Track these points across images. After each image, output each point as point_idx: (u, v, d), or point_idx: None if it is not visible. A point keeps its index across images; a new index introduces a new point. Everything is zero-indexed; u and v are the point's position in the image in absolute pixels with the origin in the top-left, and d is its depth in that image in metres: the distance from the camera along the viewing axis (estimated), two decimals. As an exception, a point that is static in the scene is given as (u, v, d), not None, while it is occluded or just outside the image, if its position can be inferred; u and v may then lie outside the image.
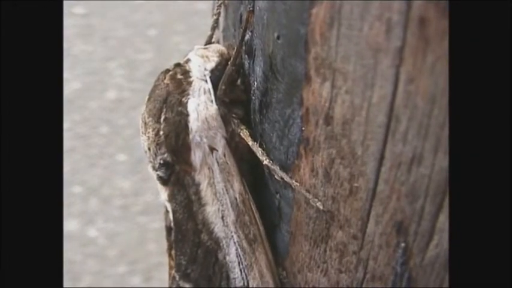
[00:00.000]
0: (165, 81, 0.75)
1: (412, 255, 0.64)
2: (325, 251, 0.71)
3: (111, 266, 2.05)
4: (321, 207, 0.67)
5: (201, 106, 0.73)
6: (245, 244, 0.78)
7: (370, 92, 0.57)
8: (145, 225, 2.15)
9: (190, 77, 0.74)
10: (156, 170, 0.79)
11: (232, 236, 0.78)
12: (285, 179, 0.70)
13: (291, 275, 0.79)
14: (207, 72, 0.74)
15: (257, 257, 0.78)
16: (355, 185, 0.63)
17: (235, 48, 0.72)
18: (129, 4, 2.96)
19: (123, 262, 2.06)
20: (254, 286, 0.80)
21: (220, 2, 0.81)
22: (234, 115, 0.75)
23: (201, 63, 0.74)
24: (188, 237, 0.81)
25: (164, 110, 0.74)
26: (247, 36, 0.72)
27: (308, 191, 0.68)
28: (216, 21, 0.81)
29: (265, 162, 0.71)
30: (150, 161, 0.78)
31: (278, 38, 0.64)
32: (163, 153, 0.76)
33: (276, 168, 0.70)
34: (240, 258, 0.79)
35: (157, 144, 0.76)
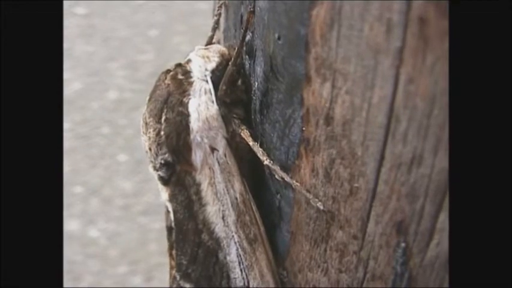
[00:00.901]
0: (166, 81, 0.75)
1: (412, 255, 0.64)
2: (325, 250, 0.72)
3: (112, 266, 2.06)
4: (321, 207, 0.68)
5: (201, 106, 0.73)
6: (246, 244, 0.78)
7: (370, 92, 0.57)
8: (146, 226, 2.16)
9: (191, 77, 0.75)
10: (157, 170, 0.79)
11: (232, 236, 0.78)
12: (286, 179, 0.70)
13: (292, 275, 0.79)
14: (207, 73, 0.74)
15: (258, 257, 0.78)
16: (355, 185, 0.64)
17: (236, 48, 0.72)
18: (130, 4, 2.96)
19: (124, 262, 2.06)
20: (255, 286, 0.80)
21: (221, 2, 0.81)
22: (234, 115, 0.75)
23: (202, 63, 0.75)
24: (189, 237, 0.81)
25: (165, 110, 0.74)
26: (248, 37, 0.72)
27: (308, 191, 0.69)
28: (217, 22, 0.81)
29: (266, 162, 0.71)
30: (151, 161, 0.79)
31: (279, 38, 0.64)
32: (164, 153, 0.76)
33: (276, 168, 0.71)
34: (241, 258, 0.79)
35: (158, 144, 0.76)
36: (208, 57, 0.75)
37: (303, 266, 0.76)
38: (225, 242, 0.79)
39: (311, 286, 0.76)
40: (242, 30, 0.71)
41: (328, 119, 0.62)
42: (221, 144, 0.74)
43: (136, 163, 2.30)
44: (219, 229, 0.79)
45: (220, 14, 0.81)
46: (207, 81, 0.74)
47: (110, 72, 2.61)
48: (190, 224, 0.80)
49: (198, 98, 0.73)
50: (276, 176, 0.71)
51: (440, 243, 0.62)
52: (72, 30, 2.73)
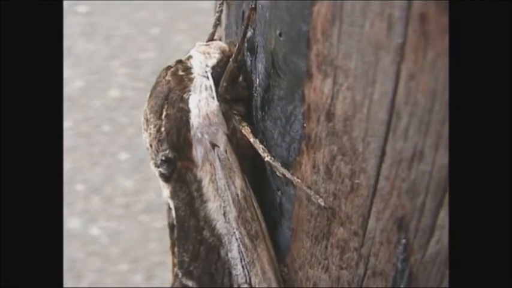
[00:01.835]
0: (167, 77, 0.75)
1: (413, 251, 0.64)
2: (326, 247, 0.72)
3: (113, 264, 2.06)
4: (322, 204, 0.68)
5: (202, 102, 0.73)
6: (247, 241, 0.78)
7: (371, 88, 0.57)
8: (148, 224, 2.16)
9: (191, 73, 0.75)
10: (158, 167, 0.79)
11: (234, 233, 0.79)
12: (287, 176, 0.70)
13: (292, 272, 0.79)
14: (208, 69, 0.74)
15: (259, 253, 0.79)
16: (356, 181, 0.64)
17: (237, 45, 0.72)
18: (132, 3, 2.96)
19: (125, 260, 2.07)
20: (256, 283, 0.80)
21: (222, -1, 0.81)
22: (235, 112, 0.75)
23: (203, 59, 0.75)
24: (190, 234, 0.82)
25: (166, 106, 0.75)
26: (249, 34, 0.72)
27: (309, 188, 0.69)
28: (218, 19, 0.82)
29: (267, 159, 0.71)
30: (152, 158, 0.79)
31: (280, 35, 0.64)
32: (165, 150, 0.76)
33: (277, 165, 0.71)
34: (242, 255, 0.79)
35: (159, 140, 0.76)
36: (209, 53, 0.75)
37: (303, 263, 0.76)
38: (226, 238, 0.80)
39: (312, 283, 0.76)
40: (243, 27, 0.71)
41: (330, 115, 0.62)
42: (222, 141, 0.74)
43: (137, 161, 2.30)
44: (220, 226, 0.79)
45: (221, 11, 0.82)
46: (207, 78, 0.74)
47: (112, 71, 2.61)
48: (191, 221, 0.80)
49: (199, 94, 0.73)
50: (277, 173, 0.71)
51: (440, 240, 0.62)
52: (74, 29, 2.74)
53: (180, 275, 0.86)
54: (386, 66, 0.55)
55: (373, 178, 0.62)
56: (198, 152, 0.75)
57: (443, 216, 0.60)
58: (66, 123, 2.38)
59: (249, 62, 0.75)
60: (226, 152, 0.75)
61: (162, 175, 0.80)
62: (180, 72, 0.75)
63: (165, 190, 0.82)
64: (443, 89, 0.54)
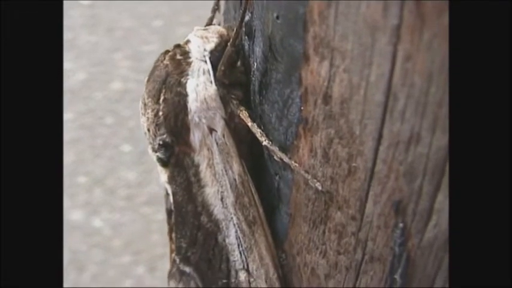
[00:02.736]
0: (165, 61, 0.75)
1: (411, 236, 0.64)
2: (323, 232, 0.71)
3: (116, 256, 2.06)
4: (320, 188, 0.67)
5: (200, 86, 0.73)
6: (244, 226, 0.78)
7: (368, 70, 0.57)
8: (150, 216, 2.16)
9: (189, 57, 0.74)
10: (156, 152, 0.79)
11: (231, 218, 0.78)
12: (284, 160, 0.70)
13: (290, 257, 0.79)
14: (206, 53, 0.74)
15: (256, 239, 0.78)
16: (354, 164, 0.63)
17: (235, 29, 0.72)
18: (134, -5, 2.97)
19: (127, 252, 2.07)
20: (254, 268, 0.80)
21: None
22: (233, 96, 0.75)
23: (201, 44, 0.74)
24: (188, 220, 0.81)
25: (163, 90, 0.74)
26: (247, 17, 0.72)
27: (307, 172, 0.68)
28: (217, 4, 0.81)
29: (265, 143, 0.71)
30: (150, 143, 0.78)
31: (277, 18, 0.64)
32: (163, 134, 0.76)
33: (275, 149, 0.70)
34: (240, 241, 0.79)
35: (156, 125, 0.76)
36: (207, 37, 0.75)
37: (301, 248, 0.76)
38: (224, 224, 0.79)
39: (309, 268, 0.76)
40: (241, 11, 0.71)
41: (327, 98, 0.62)
42: (219, 125, 0.74)
43: (140, 154, 2.30)
44: (217, 211, 0.79)
45: (220, -4, 0.81)
46: (205, 62, 0.73)
47: (114, 63, 2.61)
48: (189, 206, 0.80)
49: (197, 79, 0.73)
50: (275, 157, 0.71)
51: (438, 224, 0.62)
52: (77, 21, 2.74)
53: (177, 261, 0.86)
54: (382, 47, 0.55)
55: (371, 161, 0.62)
56: (195, 137, 0.75)
57: (441, 199, 0.60)
58: (69, 115, 2.38)
59: (246, 47, 0.75)
60: (224, 137, 0.75)
61: (159, 160, 0.79)
62: (178, 57, 0.75)
63: (163, 175, 0.81)
64: (439, 70, 0.53)
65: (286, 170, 0.72)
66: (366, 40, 0.56)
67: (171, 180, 0.80)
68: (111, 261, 2.05)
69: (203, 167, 0.77)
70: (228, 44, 0.73)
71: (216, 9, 0.81)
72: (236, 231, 0.79)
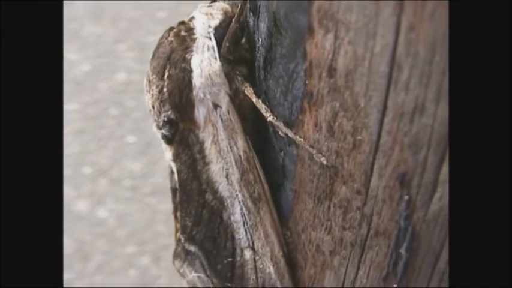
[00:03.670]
0: (169, 38, 0.75)
1: (416, 208, 0.64)
2: (328, 208, 0.71)
3: (121, 246, 2.06)
4: (325, 162, 0.67)
5: (204, 62, 0.73)
6: (250, 203, 0.78)
7: (372, 41, 0.57)
8: (155, 207, 2.16)
9: (194, 34, 0.75)
10: (160, 129, 0.79)
11: (236, 195, 0.78)
12: (289, 135, 0.70)
13: (295, 235, 0.79)
14: (211, 30, 0.74)
15: (262, 216, 0.78)
16: (358, 137, 0.63)
17: (239, 5, 0.72)
18: (138, -14, 2.96)
19: (132, 242, 2.07)
20: (259, 246, 0.80)
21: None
22: (237, 72, 0.75)
23: (205, 20, 0.74)
24: (193, 198, 0.81)
25: (168, 67, 0.75)
26: (251, -6, 0.72)
27: (312, 147, 0.68)
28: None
29: (269, 118, 0.71)
30: (155, 120, 0.79)
31: (282, -9, 0.64)
32: (167, 111, 0.76)
33: (280, 124, 0.70)
34: (245, 218, 0.79)
35: (161, 101, 0.76)
36: (211, 14, 0.75)
37: (306, 225, 0.76)
38: (229, 201, 0.79)
39: (314, 245, 0.76)
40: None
41: (331, 71, 0.62)
42: (224, 101, 0.74)
43: (144, 145, 2.30)
44: (222, 188, 0.79)
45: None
46: (210, 38, 0.74)
47: (119, 54, 2.60)
48: (194, 184, 0.80)
49: (201, 55, 0.73)
50: (280, 133, 0.71)
51: (443, 197, 0.62)
52: (81, 12, 2.74)
53: (182, 240, 0.86)
54: (386, 18, 0.55)
55: (375, 134, 0.62)
56: (200, 113, 0.75)
57: (446, 171, 0.60)
58: (74, 106, 2.38)
59: (251, 23, 0.75)
60: (228, 113, 0.75)
61: (164, 137, 0.80)
62: (183, 33, 0.75)
63: (168, 153, 0.82)
64: (443, 39, 0.53)
65: (291, 145, 0.72)
66: (370, 11, 0.56)
67: (176, 157, 0.80)
68: (116, 251, 2.05)
69: (208, 143, 0.77)
70: (233, 20, 0.73)
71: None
72: (241, 209, 0.79)
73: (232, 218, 0.80)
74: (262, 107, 0.72)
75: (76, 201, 2.14)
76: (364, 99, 0.61)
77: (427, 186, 0.62)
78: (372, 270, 0.72)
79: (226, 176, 0.78)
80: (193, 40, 0.74)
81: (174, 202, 0.90)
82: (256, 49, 0.73)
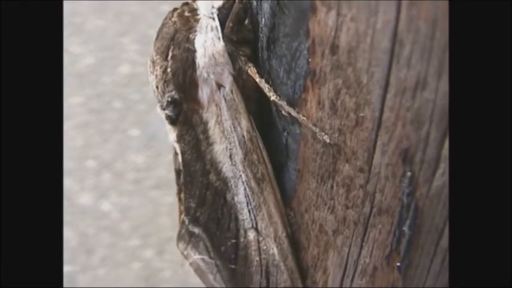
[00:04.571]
0: (173, 19, 0.76)
1: (419, 185, 0.64)
2: (332, 187, 0.72)
3: (124, 239, 2.06)
4: (328, 141, 0.68)
5: (208, 42, 0.74)
6: (253, 183, 0.78)
7: (374, 18, 0.57)
8: (158, 200, 2.16)
9: (197, 14, 0.75)
10: (164, 109, 0.79)
11: (240, 176, 0.79)
12: (292, 114, 0.70)
13: (298, 215, 0.79)
14: (214, 10, 0.74)
15: (265, 197, 0.79)
16: (361, 114, 0.64)
17: None
18: (142, -20, 2.96)
19: (135, 235, 2.07)
20: (263, 227, 0.80)
21: None
22: (241, 52, 0.75)
23: (209, 1, 0.75)
24: (197, 179, 0.82)
25: (172, 47, 0.75)
26: (254, -26, 0.73)
27: (315, 125, 0.69)
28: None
29: (273, 98, 0.71)
30: (158, 100, 0.79)
31: (284, -30, 0.64)
32: (171, 91, 0.77)
33: (283, 103, 0.71)
34: (249, 199, 0.80)
35: (165, 81, 0.77)
36: None
37: (309, 205, 0.76)
38: (232, 182, 0.80)
39: (317, 225, 0.77)
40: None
41: (334, 48, 0.62)
42: (228, 81, 0.75)
43: (148, 138, 2.31)
44: (226, 169, 0.79)
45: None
46: (213, 19, 0.74)
47: (122, 47, 2.61)
48: (198, 165, 0.81)
49: (205, 35, 0.74)
50: (283, 112, 0.71)
51: (445, 172, 0.62)
52: (85, 6, 2.74)
53: (186, 221, 0.87)
54: (388, -5, 0.56)
55: (378, 110, 0.62)
56: (204, 93, 0.75)
57: (448, 146, 0.60)
58: (77, 100, 2.39)
59: (254, 3, 0.75)
60: (232, 93, 0.75)
61: (168, 117, 0.80)
62: (187, 14, 0.75)
63: (172, 134, 0.82)
64: (443, 15, 0.54)
65: (294, 124, 0.73)
66: (372, -12, 0.56)
67: (180, 138, 0.81)
68: (120, 244, 2.05)
69: (211, 124, 0.77)
70: (236, 1, 0.73)
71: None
72: (245, 189, 0.79)
73: (235, 198, 0.81)
74: (265, 87, 0.72)
75: (80, 194, 2.14)
76: (366, 76, 0.61)
77: (429, 162, 0.62)
78: (375, 249, 0.73)
79: (230, 156, 0.78)
80: (197, 20, 0.74)
81: (177, 184, 0.91)
82: (260, 29, 0.74)
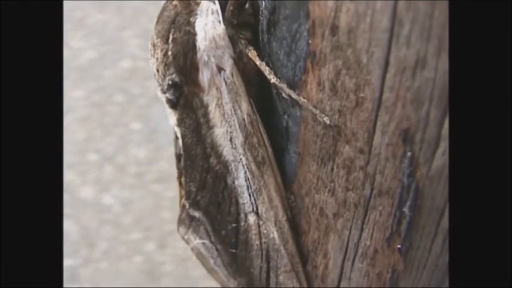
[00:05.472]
0: (174, 2, 0.76)
1: (419, 165, 0.65)
2: (332, 169, 0.72)
3: (126, 233, 2.06)
4: (328, 122, 0.68)
5: (208, 25, 0.74)
6: (254, 167, 0.78)
7: (374, -3, 0.58)
8: (160, 193, 2.16)
9: None
10: (165, 92, 0.79)
11: (240, 159, 0.79)
12: (293, 96, 0.70)
13: (299, 199, 0.79)
14: None
15: (266, 180, 0.79)
16: (361, 95, 0.64)
17: None
18: (143, -25, 2.96)
19: (137, 229, 2.07)
20: (263, 211, 0.81)
21: None
22: (241, 36, 0.76)
23: None
24: (197, 163, 0.82)
25: (172, 30, 0.75)
26: (255, -42, 0.73)
27: (315, 107, 0.69)
28: None
29: (273, 80, 0.71)
30: (159, 84, 0.79)
31: (284, -48, 0.64)
32: (172, 74, 0.77)
33: (283, 86, 0.71)
34: (249, 182, 0.80)
35: (165, 64, 0.77)
36: None
37: (310, 188, 0.76)
38: (233, 165, 0.80)
39: (318, 209, 0.77)
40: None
41: (334, 29, 0.62)
42: (228, 64, 0.75)
43: (150, 131, 2.31)
44: (227, 152, 0.79)
45: None
46: (214, 2, 0.74)
47: (124, 41, 2.61)
48: (198, 149, 0.81)
49: (205, 18, 0.74)
50: (283, 94, 0.71)
51: (446, 152, 0.62)
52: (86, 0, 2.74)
53: (187, 205, 0.87)
54: (387, -26, 0.56)
55: (378, 90, 0.62)
56: (204, 76, 0.75)
57: (448, 126, 0.60)
58: (79, 93, 2.39)
59: (255, -14, 0.75)
60: (232, 76, 0.75)
61: (169, 101, 0.80)
62: None
63: (172, 117, 0.82)
64: (443, -7, 0.54)
65: (294, 107, 0.73)
66: (371, -33, 0.56)
67: (180, 122, 0.81)
68: (122, 237, 2.05)
69: (212, 107, 0.77)
70: None
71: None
72: (245, 173, 0.79)
73: (236, 182, 0.81)
74: (265, 70, 0.72)
75: (81, 188, 2.14)
76: (366, 56, 0.61)
77: (429, 141, 0.62)
78: (375, 231, 0.73)
79: (230, 139, 0.78)
80: (198, 4, 0.75)
81: (178, 168, 0.91)
82: (260, 12, 0.74)
